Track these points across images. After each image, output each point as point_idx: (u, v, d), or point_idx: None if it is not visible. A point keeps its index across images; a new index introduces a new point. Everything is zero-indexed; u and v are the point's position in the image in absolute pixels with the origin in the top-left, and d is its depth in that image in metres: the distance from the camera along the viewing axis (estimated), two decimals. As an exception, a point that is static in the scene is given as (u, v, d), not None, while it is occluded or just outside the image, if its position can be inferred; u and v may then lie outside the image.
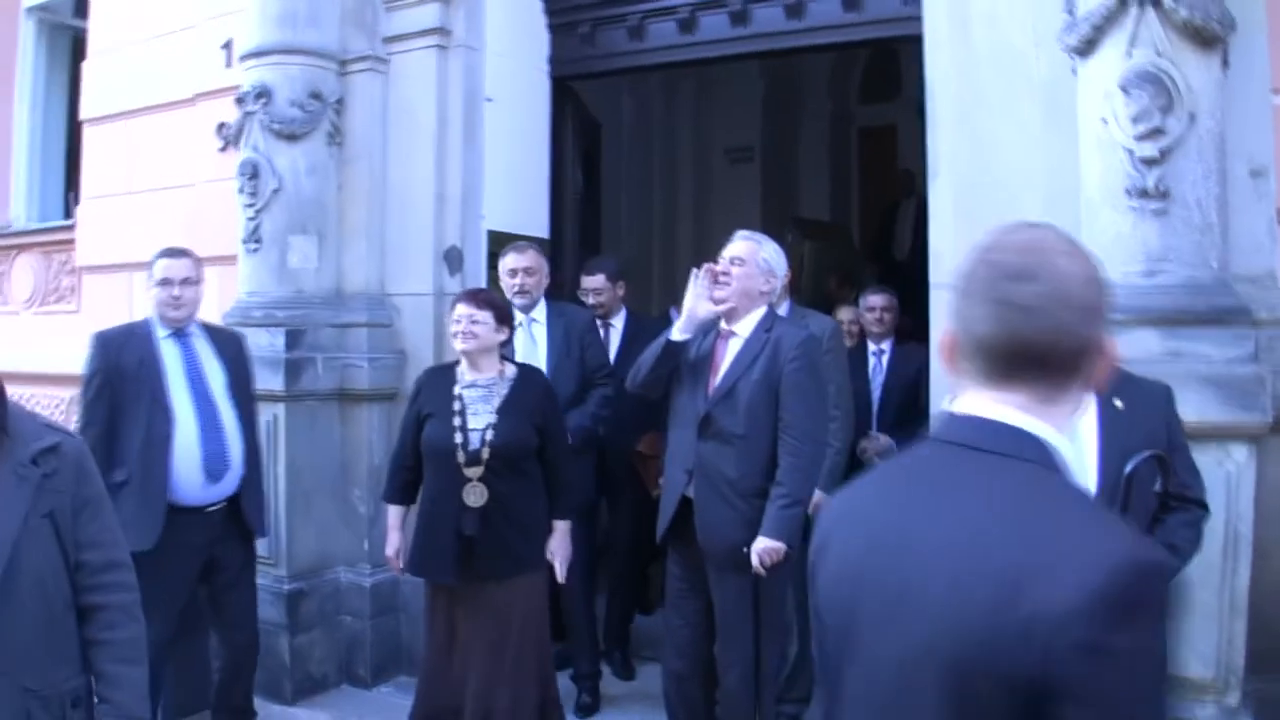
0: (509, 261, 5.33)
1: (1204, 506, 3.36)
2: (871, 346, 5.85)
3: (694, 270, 4.24)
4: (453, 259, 5.90)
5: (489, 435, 4.24)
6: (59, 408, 7.46)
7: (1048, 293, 1.40)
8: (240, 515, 4.63)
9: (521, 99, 6.29)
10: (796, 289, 7.99)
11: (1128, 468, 2.90)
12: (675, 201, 10.86)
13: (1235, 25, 3.85)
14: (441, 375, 4.53)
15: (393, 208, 6.03)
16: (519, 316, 5.17)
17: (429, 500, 4.37)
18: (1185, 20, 3.71)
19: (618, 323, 5.88)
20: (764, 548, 3.92)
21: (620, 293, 5.95)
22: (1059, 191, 4.10)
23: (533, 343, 5.29)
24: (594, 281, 5.84)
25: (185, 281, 4.57)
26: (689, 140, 11.13)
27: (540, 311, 5.37)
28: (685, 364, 4.23)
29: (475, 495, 4.19)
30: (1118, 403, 3.18)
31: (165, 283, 4.56)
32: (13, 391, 7.99)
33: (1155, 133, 3.71)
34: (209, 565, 4.57)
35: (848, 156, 11.79)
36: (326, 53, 5.95)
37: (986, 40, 4.44)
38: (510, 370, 4.45)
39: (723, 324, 4.21)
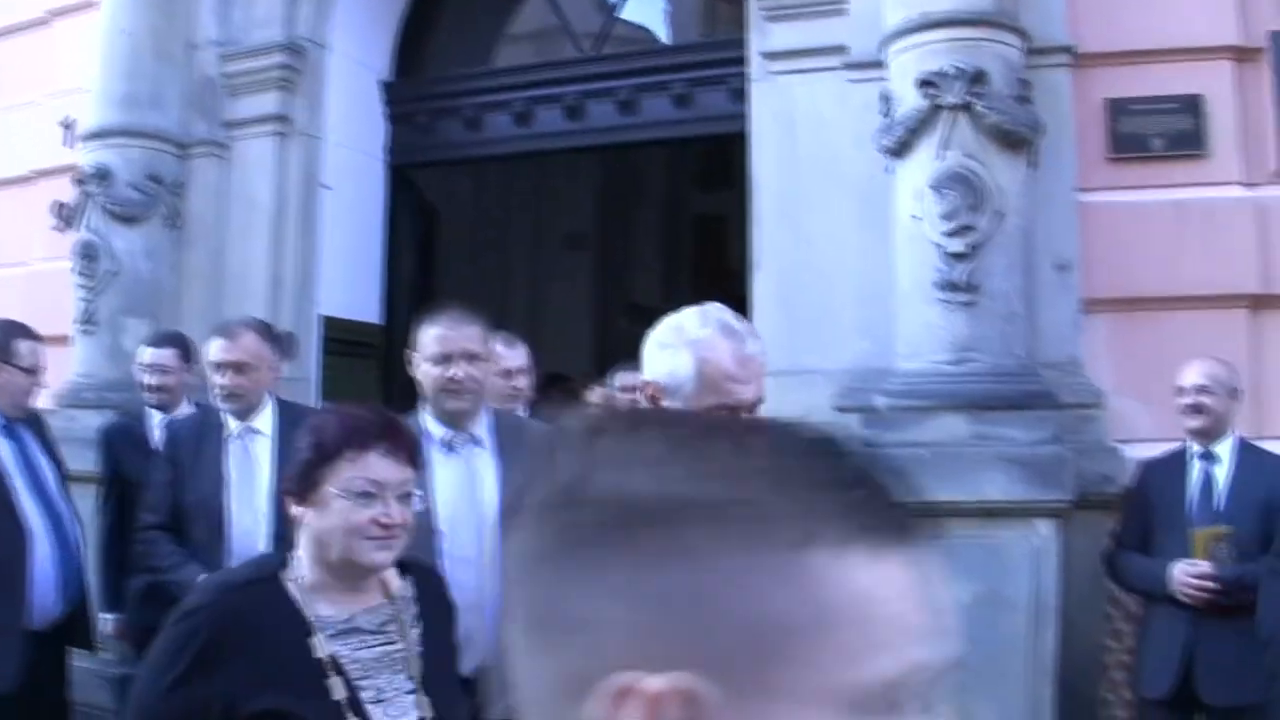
0: (216, 350, 3.72)
1: None
2: None
3: None
4: (286, 344, 5.86)
5: None
6: None
7: None
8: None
9: (359, 187, 6.34)
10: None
11: None
12: (509, 287, 10.91)
13: (1044, 128, 4.17)
14: (263, 606, 1.92)
15: (230, 292, 5.98)
16: (231, 425, 3.71)
17: None
18: (994, 124, 4.00)
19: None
20: None
21: (190, 379, 4.51)
22: (874, 285, 4.33)
23: (249, 462, 3.67)
24: (162, 356, 4.45)
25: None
26: (526, 226, 11.25)
27: (265, 419, 3.75)
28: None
29: None
30: None
31: (33, 370, 3.92)
32: None
33: (964, 229, 3.97)
34: None
35: (681, 243, 12.06)
36: (167, 136, 5.93)
37: (809, 140, 4.67)
38: (397, 583, 2.08)
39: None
